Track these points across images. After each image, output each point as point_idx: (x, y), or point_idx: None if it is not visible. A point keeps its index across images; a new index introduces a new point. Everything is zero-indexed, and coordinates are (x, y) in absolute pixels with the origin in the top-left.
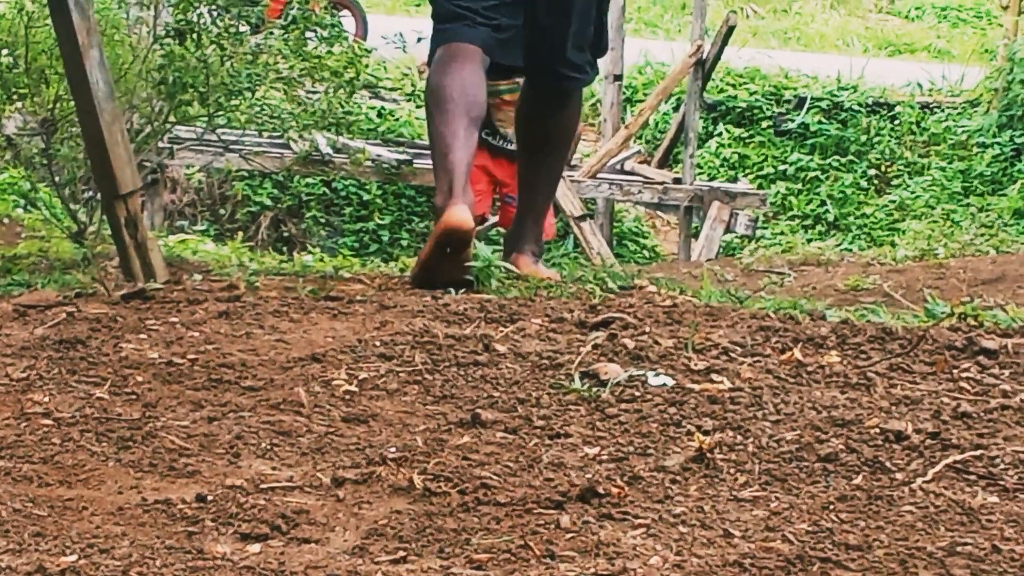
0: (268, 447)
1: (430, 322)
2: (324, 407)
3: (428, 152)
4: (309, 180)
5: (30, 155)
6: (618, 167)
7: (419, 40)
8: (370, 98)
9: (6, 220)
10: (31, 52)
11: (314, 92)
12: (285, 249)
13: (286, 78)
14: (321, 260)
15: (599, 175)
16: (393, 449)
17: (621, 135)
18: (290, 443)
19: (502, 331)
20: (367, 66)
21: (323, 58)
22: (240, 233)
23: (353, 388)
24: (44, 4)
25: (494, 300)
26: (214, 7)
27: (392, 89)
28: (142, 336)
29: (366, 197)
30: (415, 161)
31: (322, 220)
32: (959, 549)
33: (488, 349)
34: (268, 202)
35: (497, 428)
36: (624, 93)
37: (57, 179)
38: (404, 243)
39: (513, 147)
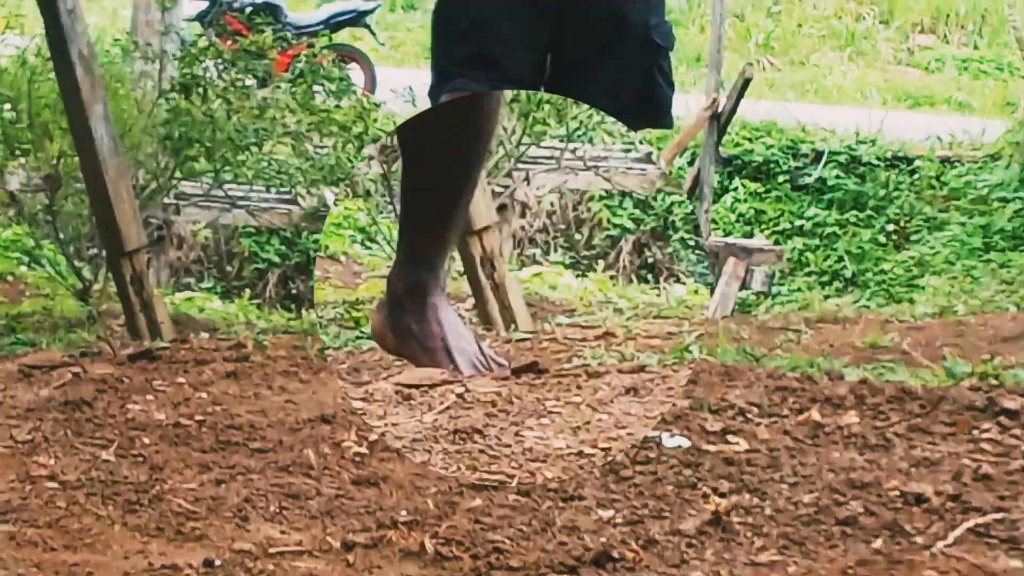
0: (277, 510)
1: None
2: (334, 469)
3: None
4: (317, 236)
5: (34, 211)
6: None
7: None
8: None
9: (10, 278)
10: (34, 106)
11: (322, 147)
12: (293, 306)
13: (293, 132)
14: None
15: None
16: (404, 512)
17: None
18: (299, 506)
19: None
20: (376, 120)
21: (331, 112)
22: (247, 290)
23: (363, 450)
24: (47, 58)
25: None
26: (220, 61)
27: None
28: (149, 397)
29: None
30: None
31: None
32: None
33: None
34: (276, 259)
35: (509, 490)
36: None
37: (61, 236)
38: None
39: None
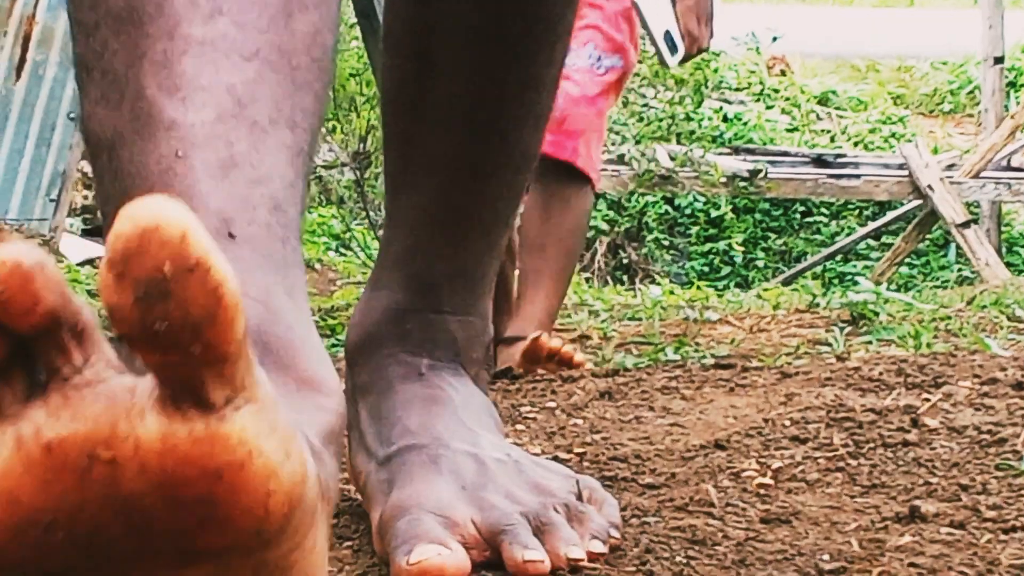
0: (683, 560)
1: (842, 391)
2: (737, 505)
3: (782, 160)
4: (649, 199)
5: (341, 192)
6: (1004, 163)
7: (774, 40)
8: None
9: (317, 265)
10: (338, 78)
11: (655, 102)
12: (625, 278)
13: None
14: (672, 292)
15: (982, 174)
16: (826, 557)
17: (1006, 126)
18: (707, 553)
19: (927, 399)
20: (716, 71)
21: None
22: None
23: (767, 480)
24: (351, 24)
25: (911, 360)
26: None
27: (738, 89)
28: (520, 427)
29: (715, 214)
30: (769, 171)
31: (665, 243)
32: None
33: (916, 424)
34: (604, 226)
35: (940, 522)
36: (1006, 77)
37: (373, 218)
38: (760, 263)
39: None
